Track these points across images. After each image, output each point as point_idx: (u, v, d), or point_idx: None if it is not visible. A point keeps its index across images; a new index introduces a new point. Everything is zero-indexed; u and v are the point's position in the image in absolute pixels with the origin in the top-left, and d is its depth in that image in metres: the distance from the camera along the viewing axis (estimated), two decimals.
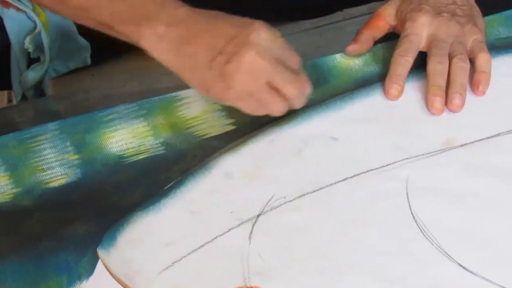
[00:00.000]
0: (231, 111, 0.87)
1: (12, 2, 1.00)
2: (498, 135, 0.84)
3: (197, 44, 0.79)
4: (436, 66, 0.87)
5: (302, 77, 0.82)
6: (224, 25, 0.80)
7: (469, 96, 0.88)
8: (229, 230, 0.77)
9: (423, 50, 0.90)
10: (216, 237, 0.76)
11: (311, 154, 0.83)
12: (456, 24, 0.90)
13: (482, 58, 0.89)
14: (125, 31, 0.82)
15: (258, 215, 0.78)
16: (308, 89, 0.82)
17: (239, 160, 0.83)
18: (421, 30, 0.90)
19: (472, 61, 0.89)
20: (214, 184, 0.81)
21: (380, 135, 0.85)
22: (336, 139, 0.84)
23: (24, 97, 1.06)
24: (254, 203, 0.79)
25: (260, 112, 0.81)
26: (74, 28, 1.06)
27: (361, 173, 0.81)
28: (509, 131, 0.84)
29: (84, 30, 1.03)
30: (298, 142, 0.84)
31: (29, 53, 1.03)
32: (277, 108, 0.81)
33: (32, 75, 1.04)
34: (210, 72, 0.79)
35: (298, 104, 0.82)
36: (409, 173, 0.81)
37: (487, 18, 0.96)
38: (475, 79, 0.88)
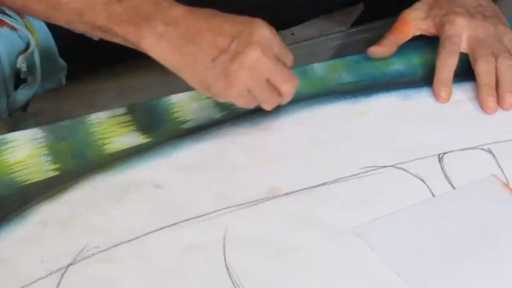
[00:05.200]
0: (57, 156, 0.85)
1: (7, 21, 0.96)
2: (324, 184, 0.83)
3: (198, 43, 0.81)
4: (486, 66, 0.92)
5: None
6: (225, 24, 0.82)
7: (296, 144, 0.88)
8: (37, 280, 0.74)
9: (463, 51, 0.94)
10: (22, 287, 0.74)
11: (132, 202, 0.81)
12: (491, 25, 0.95)
13: None
14: (123, 33, 0.83)
15: (69, 265, 0.76)
16: (297, 86, 0.85)
17: (57, 207, 0.81)
18: (461, 32, 0.94)
19: None
20: (29, 232, 0.78)
21: (204, 183, 0.83)
22: (159, 187, 0.83)
23: None
24: (67, 253, 0.77)
25: (253, 105, 0.85)
26: (56, 49, 1.02)
27: (179, 222, 0.79)
28: (335, 180, 0.83)
29: (62, 51, 1.02)
30: (120, 189, 0.82)
31: (17, 74, 1.00)
32: (272, 104, 0.85)
33: (22, 95, 1.01)
34: (212, 71, 0.81)
35: (287, 100, 0.86)
36: (228, 223, 0.79)
37: (330, 62, 0.97)
38: None
